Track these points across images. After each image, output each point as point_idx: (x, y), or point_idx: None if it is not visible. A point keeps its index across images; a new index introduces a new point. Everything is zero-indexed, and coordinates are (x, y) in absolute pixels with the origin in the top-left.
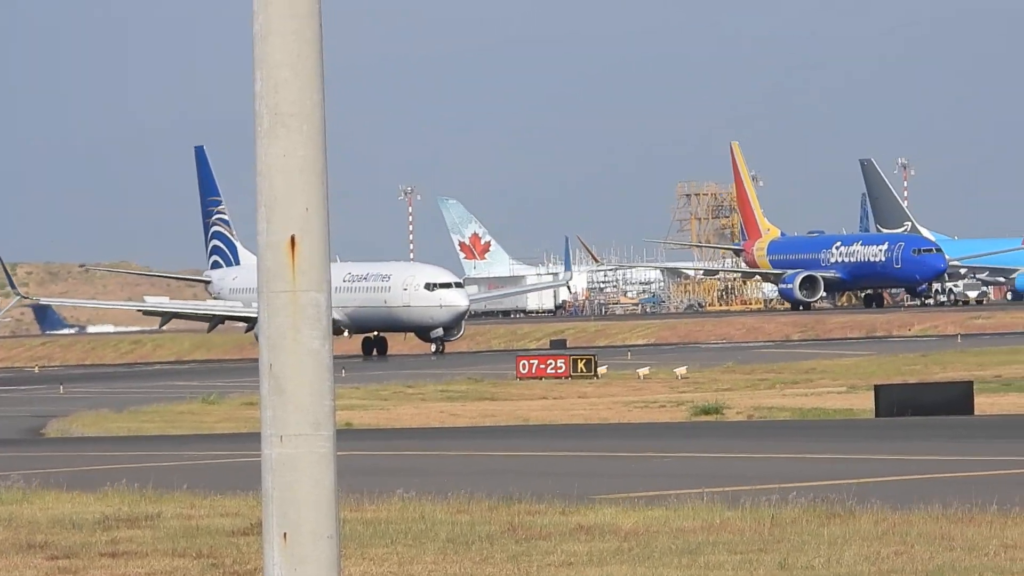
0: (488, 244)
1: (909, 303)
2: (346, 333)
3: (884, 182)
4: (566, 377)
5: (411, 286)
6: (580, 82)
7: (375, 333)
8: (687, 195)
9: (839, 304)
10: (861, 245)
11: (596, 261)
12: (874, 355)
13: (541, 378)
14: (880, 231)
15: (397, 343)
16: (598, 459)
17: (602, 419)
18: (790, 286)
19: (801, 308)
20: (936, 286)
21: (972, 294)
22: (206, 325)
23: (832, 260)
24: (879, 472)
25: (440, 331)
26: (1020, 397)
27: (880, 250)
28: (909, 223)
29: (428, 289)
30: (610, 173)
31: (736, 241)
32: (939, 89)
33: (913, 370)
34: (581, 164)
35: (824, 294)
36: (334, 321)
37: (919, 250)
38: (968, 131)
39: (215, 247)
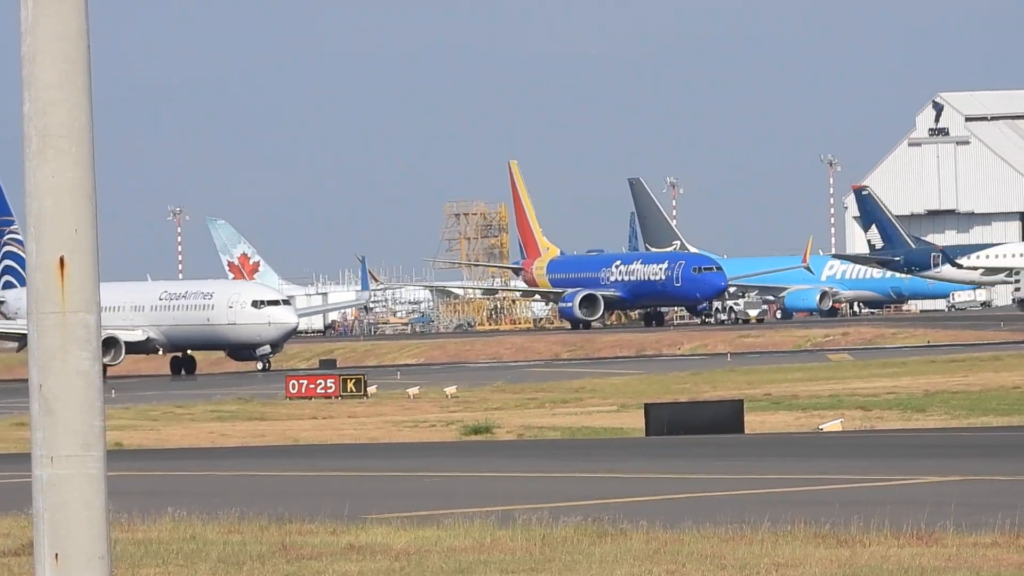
0: (257, 264)
1: (690, 321)
2: (160, 351)
3: (653, 201)
4: (336, 397)
5: (236, 303)
6: (347, 101)
7: (185, 352)
8: (456, 215)
9: (610, 323)
10: (641, 264)
11: (376, 281)
12: (644, 374)
13: (311, 398)
14: (648, 250)
15: (209, 363)
16: (369, 479)
17: (372, 439)
18: (570, 305)
19: (581, 327)
20: (716, 304)
21: (753, 312)
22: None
23: (612, 279)
24: (650, 491)
25: (268, 348)
26: (789, 415)
27: (660, 268)
28: (678, 242)
29: (255, 307)
30: (378, 193)
31: (513, 260)
32: (706, 108)
33: (683, 388)
34: (350, 184)
35: (604, 312)
36: (149, 340)
37: (699, 268)
38: (733, 150)
39: (7, 267)
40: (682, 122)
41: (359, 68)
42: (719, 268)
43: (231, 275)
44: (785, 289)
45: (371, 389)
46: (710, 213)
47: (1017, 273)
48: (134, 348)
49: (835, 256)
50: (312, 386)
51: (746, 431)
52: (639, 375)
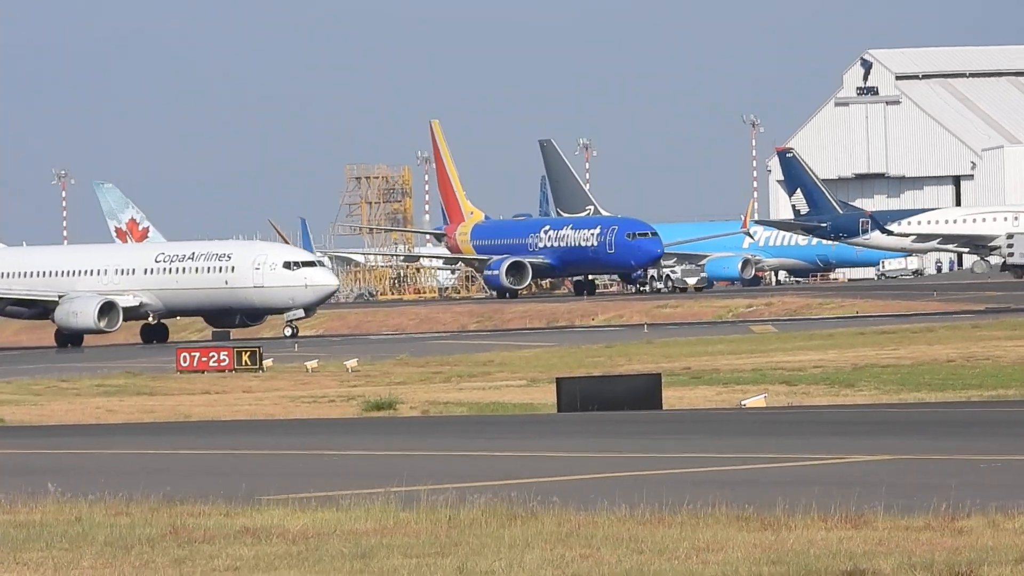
0: (146, 231)
1: (624, 291)
2: (150, 318)
3: (564, 163)
4: (230, 370)
5: (264, 265)
6: (242, 57)
7: (155, 320)
8: (357, 178)
9: (538, 291)
10: (572, 229)
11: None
12: (556, 346)
13: (203, 372)
14: (561, 215)
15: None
16: (265, 457)
17: (268, 415)
18: (496, 272)
19: (507, 296)
20: (652, 272)
21: (692, 280)
22: None
23: (541, 245)
24: (562, 470)
25: (300, 313)
26: (710, 390)
27: (592, 234)
28: (591, 207)
29: (288, 268)
30: (275, 155)
31: (436, 225)
32: (621, 65)
33: (597, 362)
34: (245, 145)
35: (532, 281)
36: (142, 306)
37: (633, 234)
38: (650, 110)
39: None
40: (595, 81)
41: (256, 21)
42: (654, 234)
43: (118, 242)
44: (705, 257)
45: (267, 362)
46: (626, 177)
47: (1010, 237)
48: (124, 315)
49: (758, 222)
50: (204, 359)
51: (664, 407)
52: (551, 347)
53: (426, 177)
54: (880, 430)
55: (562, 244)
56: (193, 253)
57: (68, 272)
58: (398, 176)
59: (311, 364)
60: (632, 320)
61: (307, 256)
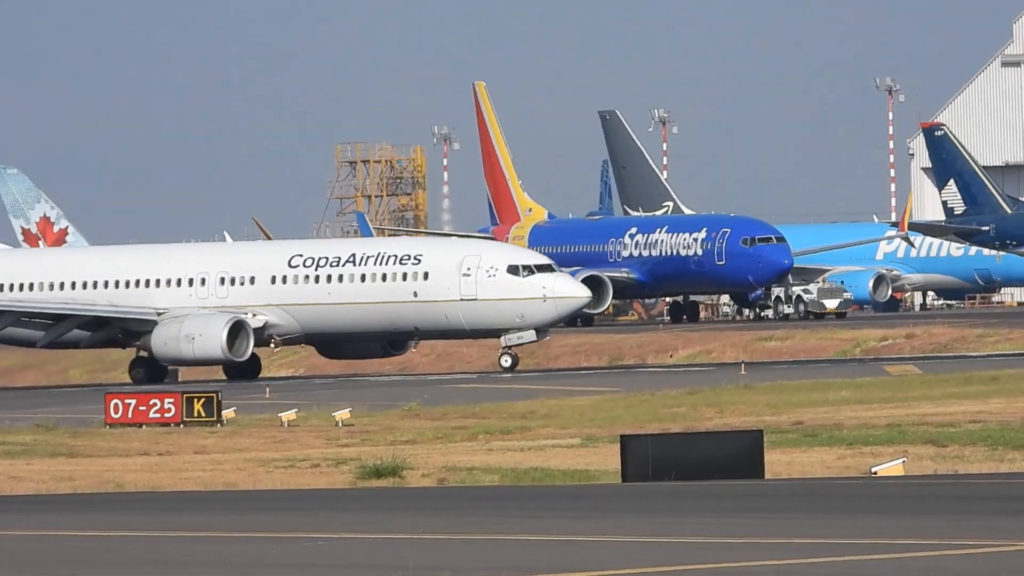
0: (64, 232)
1: (739, 318)
2: (273, 344)
3: (634, 143)
4: (177, 423)
5: (478, 269)
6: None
7: (277, 346)
8: (351, 163)
9: (626, 318)
10: (667, 232)
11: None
12: (621, 392)
13: (142, 425)
14: (628, 213)
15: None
16: (223, 542)
17: (229, 484)
18: None
19: (580, 323)
20: (777, 291)
21: (832, 304)
22: None
23: (625, 253)
24: (629, 561)
25: (528, 336)
26: (829, 452)
27: (695, 239)
28: (670, 203)
29: (515, 274)
30: (238, 133)
31: (480, 228)
32: (706, 14)
33: (677, 414)
34: (196, 121)
35: (615, 301)
36: (265, 327)
37: (752, 239)
38: (748, 73)
39: None
40: (674, 32)
41: None
42: (780, 239)
43: (26, 245)
44: (823, 272)
45: (227, 412)
46: (716, 162)
47: None
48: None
49: (895, 224)
50: (143, 408)
51: (767, 475)
52: (614, 394)
53: (445, 161)
54: None
55: (654, 253)
56: (353, 255)
57: (138, 282)
58: (407, 160)
59: (287, 415)
60: (724, 357)
61: (539, 257)
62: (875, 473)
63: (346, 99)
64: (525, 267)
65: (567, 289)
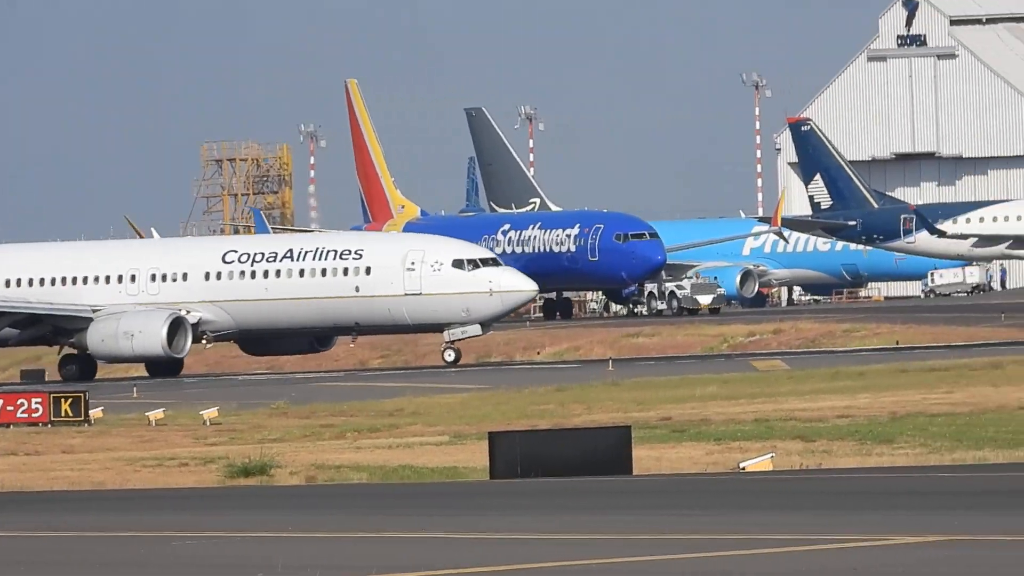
0: None
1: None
2: (204, 341)
3: (501, 140)
4: (45, 423)
5: (423, 264)
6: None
7: (210, 343)
8: (217, 161)
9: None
10: (540, 229)
11: None
12: (489, 389)
13: (8, 425)
14: (495, 210)
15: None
16: (90, 542)
17: (97, 484)
18: None
19: None
20: (650, 287)
21: (705, 300)
22: None
23: (499, 250)
24: (496, 558)
25: (474, 330)
26: (697, 448)
27: (569, 235)
28: (536, 200)
29: (461, 267)
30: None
31: (353, 225)
32: (573, 10)
33: (545, 411)
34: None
35: None
36: (200, 323)
37: (625, 235)
38: (616, 69)
39: None
40: (540, 28)
41: None
42: (654, 235)
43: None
44: (690, 268)
45: (95, 412)
46: (582, 158)
47: None
48: None
49: (762, 220)
50: (10, 408)
51: (635, 471)
52: (482, 391)
53: (312, 159)
54: (929, 502)
55: (527, 249)
56: (290, 251)
57: (65, 279)
58: (273, 158)
59: (155, 415)
60: (592, 354)
61: (482, 251)
62: (743, 468)
63: (212, 98)
64: (470, 261)
65: (513, 283)
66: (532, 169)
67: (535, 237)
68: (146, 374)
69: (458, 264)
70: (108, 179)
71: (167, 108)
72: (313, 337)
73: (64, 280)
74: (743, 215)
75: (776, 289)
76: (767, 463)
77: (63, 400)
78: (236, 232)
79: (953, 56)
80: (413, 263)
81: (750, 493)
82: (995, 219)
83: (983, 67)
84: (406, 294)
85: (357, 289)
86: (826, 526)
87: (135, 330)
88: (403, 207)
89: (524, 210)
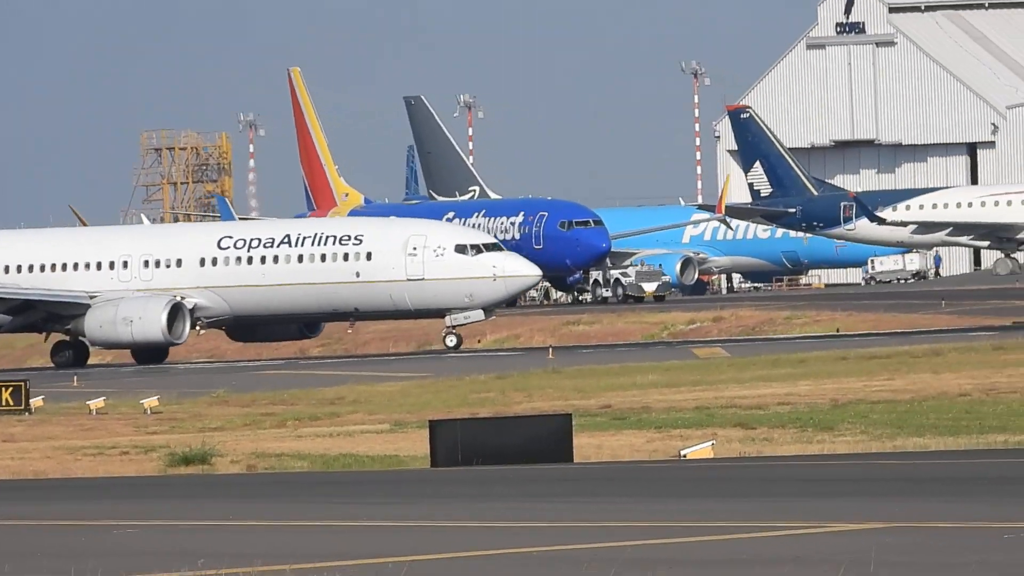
0: None
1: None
2: (198, 328)
3: (440, 128)
4: None
5: (425, 249)
6: None
7: (202, 330)
8: (156, 150)
9: None
10: (484, 216)
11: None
12: (430, 378)
13: None
14: (434, 198)
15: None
16: (30, 532)
17: (37, 472)
18: None
19: None
20: (595, 275)
21: (650, 287)
22: None
23: None
24: (439, 546)
25: (476, 315)
26: (637, 436)
27: (512, 223)
28: (476, 188)
29: (463, 252)
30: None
31: (297, 213)
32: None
33: (486, 398)
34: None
35: None
36: (195, 309)
37: (569, 223)
38: (556, 58)
39: None
40: (479, 16)
41: None
42: (598, 222)
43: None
44: (630, 255)
45: (35, 401)
46: (522, 147)
47: None
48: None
49: (702, 207)
50: None
51: (576, 459)
52: (422, 379)
53: (251, 148)
54: (869, 489)
55: None
56: (288, 235)
57: (54, 266)
58: (213, 147)
59: (96, 403)
60: (533, 341)
61: (484, 236)
62: (684, 456)
63: (151, 87)
64: (473, 246)
65: (517, 268)
66: (471, 157)
67: (479, 225)
68: (132, 361)
69: (461, 249)
70: (48, 168)
71: (107, 97)
72: (303, 324)
73: (53, 267)
74: (682, 202)
75: (716, 277)
76: (708, 451)
77: (3, 389)
78: (176, 220)
79: (892, 43)
80: (415, 248)
81: (690, 481)
82: (935, 206)
83: (922, 54)
84: (408, 279)
85: (358, 275)
86: (767, 513)
87: (134, 316)
88: (347, 195)
89: (464, 198)
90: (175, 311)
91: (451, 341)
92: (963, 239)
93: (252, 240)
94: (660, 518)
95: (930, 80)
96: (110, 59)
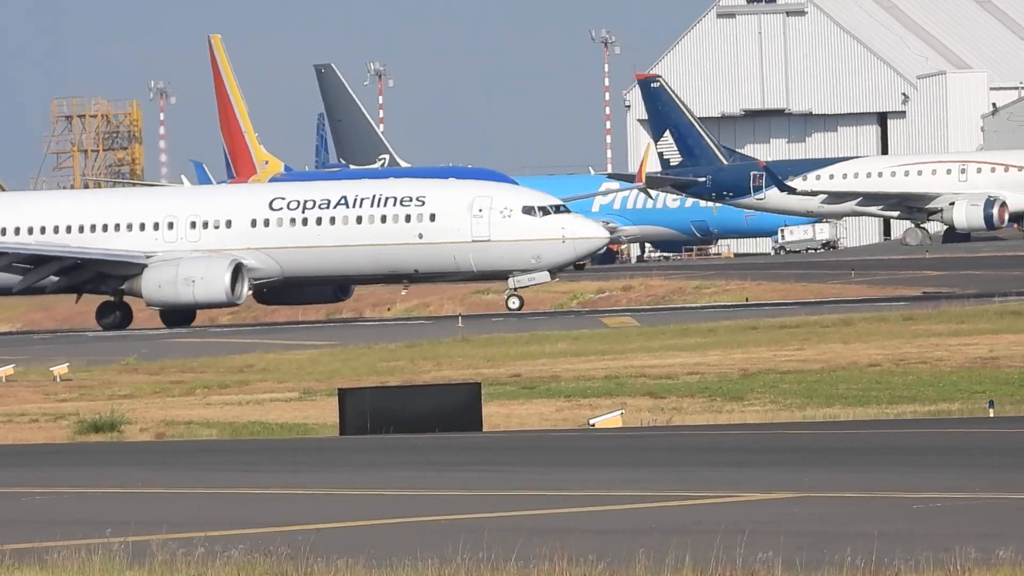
0: None
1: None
2: (248, 290)
3: (350, 96)
4: None
5: (491, 210)
6: None
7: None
8: (67, 117)
9: None
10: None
11: None
12: (339, 346)
13: None
14: (348, 167)
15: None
16: None
17: None
18: None
19: None
20: None
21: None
22: None
23: None
24: (347, 514)
25: (542, 276)
26: (547, 404)
27: None
28: (386, 156)
29: (531, 214)
30: None
31: (220, 180)
32: None
33: (395, 367)
34: None
35: None
36: (248, 270)
37: None
38: (464, 26)
39: None
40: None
41: None
42: None
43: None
44: None
45: None
46: (432, 115)
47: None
48: None
49: (612, 176)
50: None
51: (485, 428)
52: (331, 348)
53: (162, 116)
54: (778, 459)
55: None
56: (344, 198)
57: (94, 227)
58: (124, 115)
59: (5, 371)
60: (442, 310)
61: (550, 199)
62: (593, 425)
63: (62, 54)
64: (540, 208)
65: (586, 230)
66: (382, 125)
67: None
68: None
69: (528, 211)
70: None
71: (17, 63)
72: (337, 286)
73: (93, 227)
74: (592, 172)
75: (626, 246)
76: (617, 420)
77: None
78: (86, 187)
79: (803, 13)
80: (480, 209)
81: (599, 450)
82: (844, 176)
83: (832, 24)
84: (474, 240)
85: (420, 236)
86: (675, 482)
87: (197, 276)
88: (267, 162)
89: (374, 166)
90: (236, 271)
91: (514, 303)
92: (873, 209)
93: (307, 202)
94: (568, 487)
95: (840, 49)
96: (20, 25)
